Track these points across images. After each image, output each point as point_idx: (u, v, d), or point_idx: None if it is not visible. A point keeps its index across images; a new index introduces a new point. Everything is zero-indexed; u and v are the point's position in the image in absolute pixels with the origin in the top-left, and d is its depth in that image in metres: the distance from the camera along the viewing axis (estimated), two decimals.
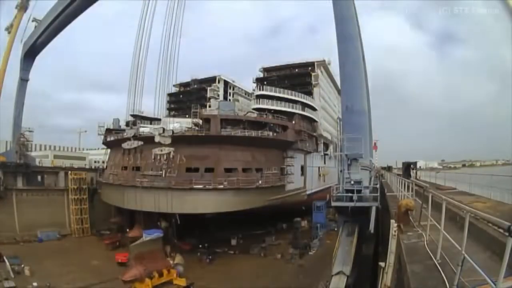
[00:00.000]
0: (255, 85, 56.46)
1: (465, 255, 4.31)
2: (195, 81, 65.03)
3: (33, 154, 53.02)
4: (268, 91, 48.46)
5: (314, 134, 51.58)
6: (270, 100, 46.88)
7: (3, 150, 55.00)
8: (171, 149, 33.18)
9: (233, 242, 38.42)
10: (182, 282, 27.32)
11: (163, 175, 33.83)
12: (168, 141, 32.64)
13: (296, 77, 57.99)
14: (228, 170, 34.87)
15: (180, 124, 39.54)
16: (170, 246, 32.94)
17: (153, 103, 37.94)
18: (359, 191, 19.87)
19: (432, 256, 5.86)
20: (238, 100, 59.69)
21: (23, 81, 48.68)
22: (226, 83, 62.65)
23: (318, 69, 57.97)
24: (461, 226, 5.77)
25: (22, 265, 28.97)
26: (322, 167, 55.12)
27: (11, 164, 43.20)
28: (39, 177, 45.34)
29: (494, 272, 3.68)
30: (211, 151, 34.82)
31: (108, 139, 43.99)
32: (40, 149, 66.85)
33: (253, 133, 36.79)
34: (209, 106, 54.97)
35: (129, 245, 29.22)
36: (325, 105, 60.97)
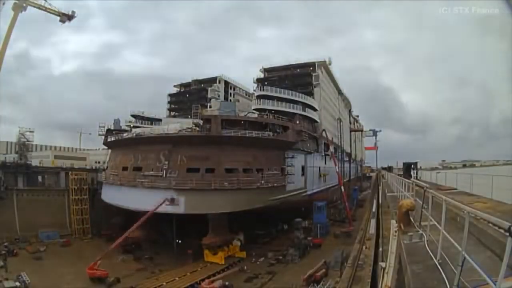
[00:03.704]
0: (255, 85, 56.52)
1: (466, 255, 4.31)
2: (195, 81, 65.19)
3: (33, 154, 53.09)
4: (268, 91, 48.46)
5: (315, 134, 51.56)
6: (270, 101, 46.88)
7: (4, 151, 55.13)
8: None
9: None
10: (243, 254, 34.29)
11: (164, 176, 33.86)
12: None
13: (296, 77, 58.03)
14: (228, 171, 34.86)
15: (180, 125, 39.54)
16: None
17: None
18: None
19: (433, 256, 5.86)
20: (238, 101, 59.76)
21: None
22: (226, 84, 62.75)
23: (319, 69, 58.01)
24: (461, 226, 5.77)
25: None
26: (323, 167, 55.11)
27: (11, 164, 43.25)
28: (39, 178, 45.40)
29: (494, 272, 3.69)
30: (211, 152, 34.81)
31: (109, 139, 43.99)
32: (41, 150, 66.90)
33: (254, 134, 36.78)
34: (210, 107, 55.01)
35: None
36: (326, 105, 60.97)
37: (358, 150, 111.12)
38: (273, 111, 44.43)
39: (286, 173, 39.55)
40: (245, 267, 31.49)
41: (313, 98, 53.87)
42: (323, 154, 55.94)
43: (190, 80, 66.60)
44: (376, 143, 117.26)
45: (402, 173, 30.70)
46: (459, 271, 4.28)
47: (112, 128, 46.55)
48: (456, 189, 15.71)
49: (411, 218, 9.09)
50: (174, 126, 39.05)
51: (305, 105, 49.93)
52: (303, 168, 45.78)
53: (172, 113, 64.33)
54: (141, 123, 52.81)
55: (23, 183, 43.27)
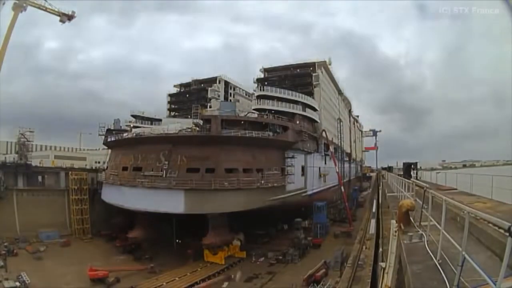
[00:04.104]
0: (255, 85, 56.48)
1: (466, 255, 4.31)
2: (195, 81, 65.18)
3: (33, 154, 53.15)
4: (268, 91, 48.36)
5: (315, 134, 51.55)
6: (270, 101, 46.81)
7: (4, 151, 55.12)
8: None
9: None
10: (243, 254, 34.41)
11: (164, 176, 33.87)
12: None
13: (296, 77, 57.98)
14: (228, 171, 34.86)
15: (181, 125, 39.56)
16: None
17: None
18: None
19: (433, 256, 5.86)
20: (238, 101, 59.78)
21: None
22: (226, 84, 62.74)
23: (319, 69, 57.98)
24: (461, 226, 5.77)
25: None
26: (323, 167, 55.12)
27: (11, 164, 43.25)
28: (39, 178, 45.38)
29: (494, 272, 3.69)
30: (211, 152, 34.81)
31: (109, 139, 43.98)
32: (41, 150, 66.94)
33: (254, 134, 36.78)
34: (210, 107, 55.02)
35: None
36: (325, 105, 60.96)
37: (358, 150, 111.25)
38: (273, 111, 44.41)
39: (286, 173, 39.55)
40: (232, 276, 29.71)
41: (313, 98, 53.82)
42: (323, 154, 55.95)
43: (190, 80, 66.64)
44: (376, 143, 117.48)
45: (402, 173, 30.69)
46: (459, 271, 4.28)
47: (112, 128, 46.57)
48: (456, 189, 15.70)
49: (411, 218, 9.09)
50: (174, 126, 39.08)
51: (305, 105, 49.89)
52: (303, 168, 45.77)
53: (172, 113, 64.31)
54: (141, 123, 52.80)
55: (23, 183, 43.23)
